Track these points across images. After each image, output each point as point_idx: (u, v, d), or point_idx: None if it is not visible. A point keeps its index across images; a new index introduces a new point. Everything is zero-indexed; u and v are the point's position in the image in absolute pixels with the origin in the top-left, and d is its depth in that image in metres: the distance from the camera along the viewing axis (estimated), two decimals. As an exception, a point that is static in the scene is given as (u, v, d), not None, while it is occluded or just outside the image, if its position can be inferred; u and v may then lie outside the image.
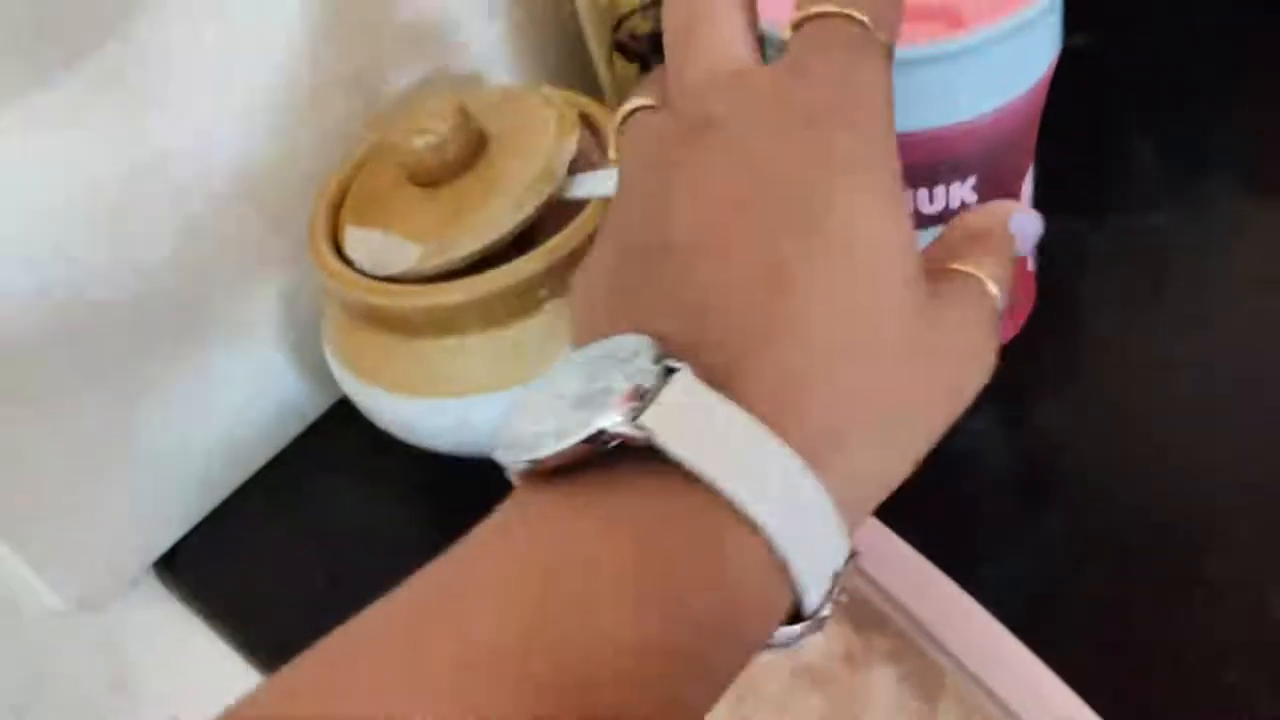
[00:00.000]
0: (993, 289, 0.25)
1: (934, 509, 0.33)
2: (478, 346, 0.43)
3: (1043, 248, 0.41)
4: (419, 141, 0.43)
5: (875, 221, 0.23)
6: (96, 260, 0.44)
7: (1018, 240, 0.27)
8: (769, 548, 0.20)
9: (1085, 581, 0.38)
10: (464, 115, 0.44)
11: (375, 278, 0.43)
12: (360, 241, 0.44)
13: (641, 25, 0.46)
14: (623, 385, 0.20)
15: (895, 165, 0.24)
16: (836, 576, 0.22)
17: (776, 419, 0.21)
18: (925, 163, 0.35)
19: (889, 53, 0.25)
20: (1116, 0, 0.60)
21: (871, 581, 0.32)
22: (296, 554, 0.50)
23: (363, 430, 0.49)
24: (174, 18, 0.43)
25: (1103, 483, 0.42)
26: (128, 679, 0.52)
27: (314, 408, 0.54)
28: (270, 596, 0.49)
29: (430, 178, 0.44)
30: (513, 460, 0.21)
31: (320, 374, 0.52)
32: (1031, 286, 0.46)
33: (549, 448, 0.21)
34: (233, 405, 0.51)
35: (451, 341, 0.43)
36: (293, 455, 0.53)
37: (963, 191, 0.36)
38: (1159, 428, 0.43)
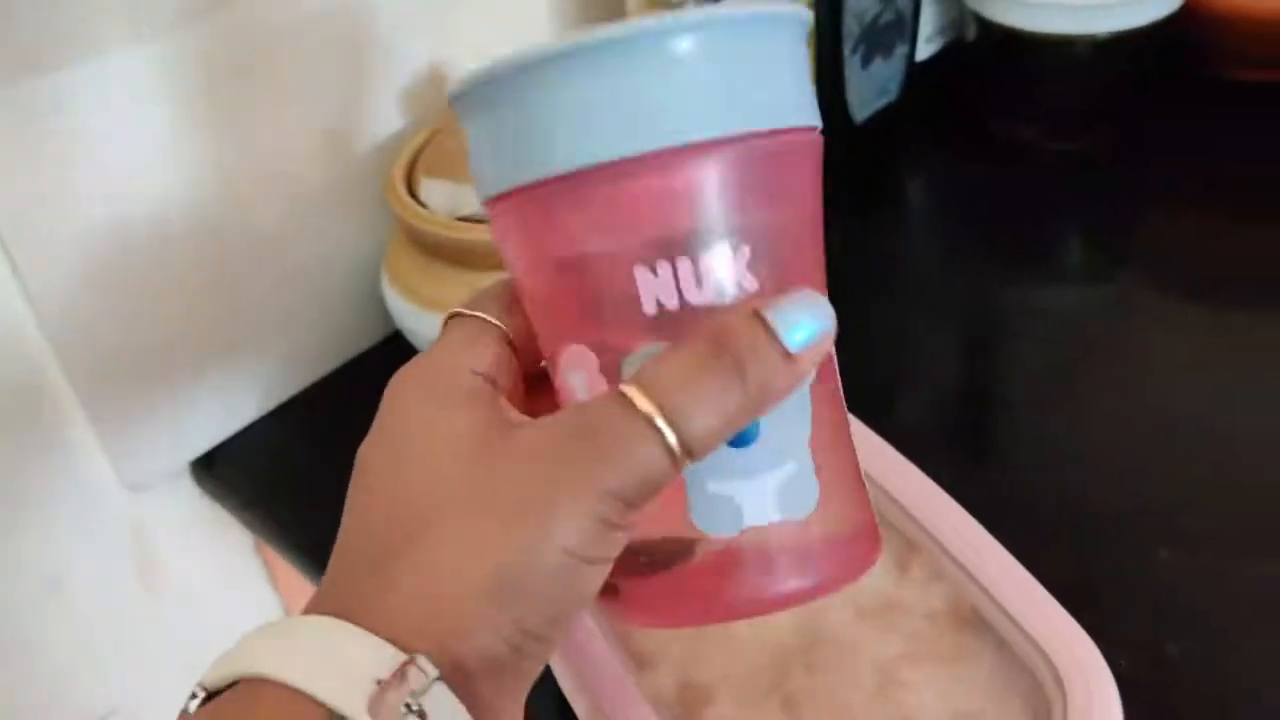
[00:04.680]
0: (641, 403, 0.25)
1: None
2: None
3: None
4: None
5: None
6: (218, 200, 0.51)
7: (780, 332, 0.25)
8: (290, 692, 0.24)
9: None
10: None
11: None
12: (434, 189, 0.52)
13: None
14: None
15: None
16: (382, 681, 0.24)
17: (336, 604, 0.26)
18: (662, 211, 0.26)
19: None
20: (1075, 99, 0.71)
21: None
22: (326, 470, 0.56)
23: (397, 367, 0.56)
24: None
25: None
26: (155, 566, 0.57)
27: (356, 345, 0.61)
28: (296, 505, 0.55)
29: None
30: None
31: (367, 315, 0.60)
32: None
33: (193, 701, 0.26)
34: (289, 330, 0.57)
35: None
36: (333, 383, 0.60)
37: (737, 270, 0.26)
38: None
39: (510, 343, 0.30)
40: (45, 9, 0.44)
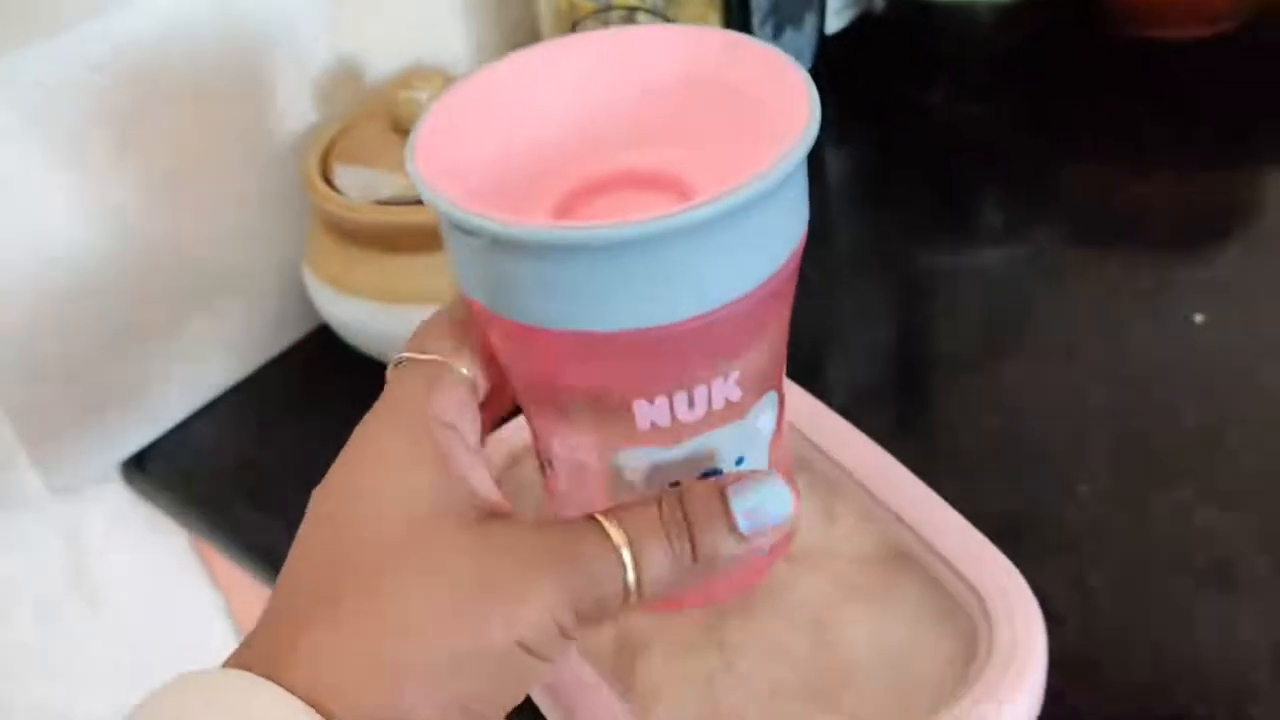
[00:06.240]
0: (615, 536, 0.26)
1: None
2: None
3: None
4: (406, 94, 0.52)
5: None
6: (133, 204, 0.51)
7: (737, 513, 0.27)
8: None
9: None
10: (445, 82, 0.52)
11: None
12: (350, 175, 0.52)
13: (594, 26, 0.56)
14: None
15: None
16: None
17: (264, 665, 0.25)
18: (674, 363, 0.28)
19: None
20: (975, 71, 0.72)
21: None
22: (259, 464, 0.56)
23: (323, 360, 0.57)
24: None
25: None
26: (85, 570, 0.57)
27: (282, 340, 0.60)
28: (232, 501, 0.55)
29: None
30: None
31: (291, 310, 0.59)
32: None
33: None
34: (214, 328, 0.57)
35: (424, 258, 0.51)
36: (260, 378, 0.59)
37: (726, 389, 0.29)
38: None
39: (472, 387, 0.30)
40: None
